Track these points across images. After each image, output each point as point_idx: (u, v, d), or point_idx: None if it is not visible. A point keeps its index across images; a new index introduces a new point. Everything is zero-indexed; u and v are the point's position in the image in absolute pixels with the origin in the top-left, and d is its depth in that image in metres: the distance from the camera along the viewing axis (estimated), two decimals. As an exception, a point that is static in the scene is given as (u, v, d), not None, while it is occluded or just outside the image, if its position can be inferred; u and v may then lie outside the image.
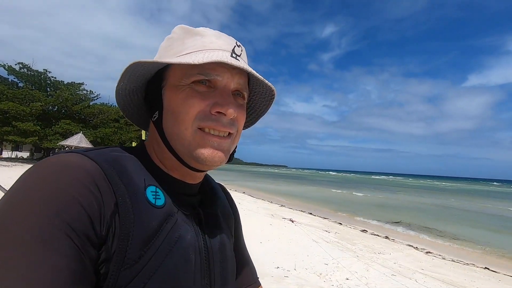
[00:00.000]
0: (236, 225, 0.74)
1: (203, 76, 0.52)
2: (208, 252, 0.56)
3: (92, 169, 0.46)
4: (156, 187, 0.53)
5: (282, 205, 15.11)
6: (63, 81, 37.27)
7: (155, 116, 0.57)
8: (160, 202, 0.52)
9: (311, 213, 13.26)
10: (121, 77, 0.54)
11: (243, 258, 0.74)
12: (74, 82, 37.18)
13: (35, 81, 35.12)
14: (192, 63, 0.49)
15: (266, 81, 0.57)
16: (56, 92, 33.88)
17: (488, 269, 7.00)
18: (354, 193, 25.69)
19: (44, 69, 35.76)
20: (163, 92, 0.56)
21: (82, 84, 37.31)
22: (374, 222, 12.22)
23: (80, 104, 35.00)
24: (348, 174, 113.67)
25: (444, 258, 7.51)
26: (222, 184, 0.79)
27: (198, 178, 0.61)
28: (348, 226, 10.89)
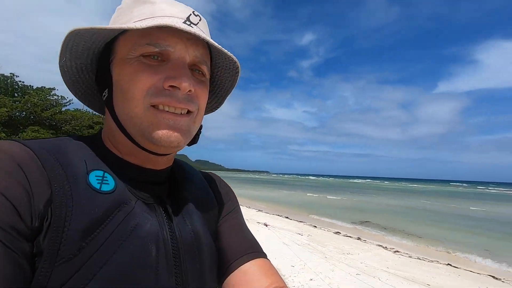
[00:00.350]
0: (227, 211, 0.66)
1: (152, 47, 0.47)
2: (178, 244, 0.50)
3: (20, 155, 0.41)
4: (105, 172, 0.48)
5: (259, 210, 15.12)
6: (32, 86, 35.43)
7: (105, 95, 0.52)
8: (107, 187, 0.46)
9: (287, 217, 13.37)
10: (61, 51, 0.48)
11: (242, 233, 0.64)
12: (45, 87, 35.46)
13: (1, 85, 33.25)
14: (134, 27, 0.44)
15: (227, 52, 0.52)
16: (24, 97, 32.18)
17: (451, 265, 7.36)
18: (328, 196, 26.16)
19: (11, 73, 33.64)
20: (112, 68, 0.51)
21: (53, 89, 35.53)
22: (347, 225, 12.50)
23: (51, 110, 33.31)
24: (327, 179, 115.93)
25: (410, 257, 7.81)
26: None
27: (161, 163, 0.55)
28: (322, 228, 11.08)
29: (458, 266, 7.23)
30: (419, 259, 7.63)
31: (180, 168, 0.64)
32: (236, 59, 0.55)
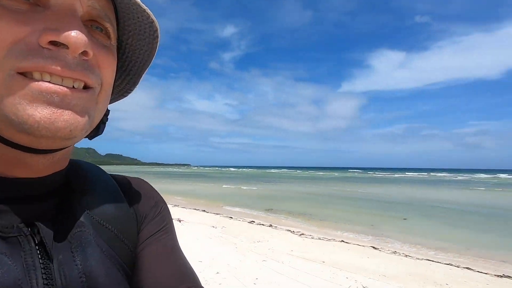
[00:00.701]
0: (152, 230, 0.49)
1: None
2: None
3: None
4: None
5: (175, 205, 14.54)
6: None
7: None
8: None
9: (204, 211, 13.26)
10: None
11: (172, 261, 0.47)
12: None
13: None
14: None
15: (141, 4, 0.36)
16: None
17: (344, 241, 8.52)
18: (243, 187, 27.03)
19: None
20: None
21: None
22: (261, 213, 13.18)
23: None
24: (246, 170, 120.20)
25: (313, 238, 8.71)
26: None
27: (42, 167, 0.36)
28: (238, 219, 11.37)
29: (349, 242, 8.43)
30: (320, 239, 8.58)
31: (78, 173, 0.44)
32: (154, 18, 0.39)
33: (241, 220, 11.19)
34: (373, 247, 7.79)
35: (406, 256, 7.00)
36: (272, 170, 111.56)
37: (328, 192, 24.28)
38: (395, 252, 7.34)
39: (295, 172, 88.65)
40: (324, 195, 22.12)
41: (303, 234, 9.17)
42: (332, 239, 8.72)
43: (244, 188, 26.42)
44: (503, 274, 5.85)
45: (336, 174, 78.05)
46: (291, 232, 9.32)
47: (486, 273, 5.86)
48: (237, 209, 14.20)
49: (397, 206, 16.32)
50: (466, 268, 6.18)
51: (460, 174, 77.83)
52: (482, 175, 71.15)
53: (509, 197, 22.36)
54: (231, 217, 11.64)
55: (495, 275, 5.79)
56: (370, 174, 79.38)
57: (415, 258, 6.86)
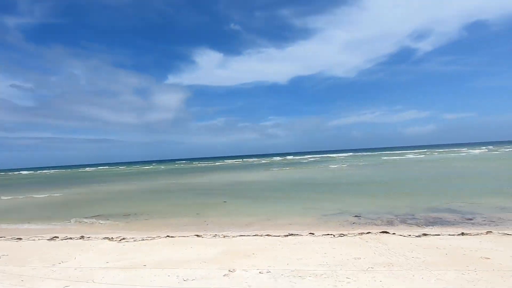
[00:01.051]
0: None
1: None
2: None
3: None
4: None
5: None
6: None
7: None
8: None
9: (-31, 238, 9.20)
10: None
11: None
12: None
13: None
14: None
15: None
16: None
17: (169, 236, 8.37)
18: (36, 196, 21.12)
19: None
20: None
21: None
22: (70, 224, 10.77)
23: None
24: (48, 171, 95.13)
25: (135, 240, 7.98)
26: None
27: None
28: (31, 239, 8.68)
29: (174, 236, 8.38)
30: (143, 239, 7.99)
31: None
32: None
33: (37, 239, 8.64)
34: (197, 235, 8.12)
35: (224, 236, 7.78)
36: (87, 169, 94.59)
37: (154, 187, 23.42)
38: (215, 236, 7.98)
39: (117, 169, 79.66)
40: (148, 191, 21.09)
41: (124, 238, 8.23)
42: (157, 236, 8.35)
43: (40, 196, 20.55)
44: (289, 233, 7.71)
45: (163, 167, 76.96)
46: (109, 239, 8.16)
47: (279, 236, 7.50)
48: (30, 226, 10.86)
49: (218, 191, 18.11)
50: (267, 235, 7.66)
51: (263, 158, 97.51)
52: (277, 158, 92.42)
53: (293, 174, 30.32)
54: (19, 239, 8.73)
55: (284, 235, 7.52)
56: (195, 164, 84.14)
57: (231, 236, 7.74)
